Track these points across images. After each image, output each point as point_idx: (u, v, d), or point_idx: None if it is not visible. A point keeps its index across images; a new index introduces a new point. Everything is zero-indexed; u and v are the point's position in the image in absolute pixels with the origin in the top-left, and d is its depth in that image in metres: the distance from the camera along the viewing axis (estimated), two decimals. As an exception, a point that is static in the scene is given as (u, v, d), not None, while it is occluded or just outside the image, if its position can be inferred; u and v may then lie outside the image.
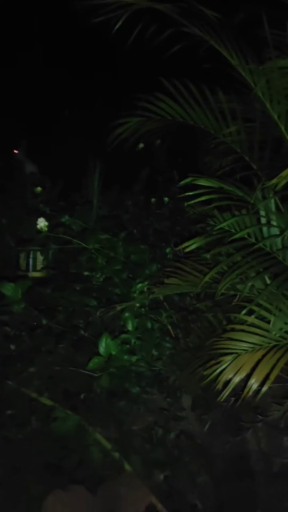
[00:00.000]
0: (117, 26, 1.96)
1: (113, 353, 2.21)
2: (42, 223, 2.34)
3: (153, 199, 3.28)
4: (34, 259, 3.48)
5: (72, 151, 5.41)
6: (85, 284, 2.72)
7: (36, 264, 3.53)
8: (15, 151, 5.83)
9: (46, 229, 2.34)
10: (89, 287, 2.72)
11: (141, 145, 3.42)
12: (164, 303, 2.62)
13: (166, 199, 3.28)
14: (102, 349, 2.20)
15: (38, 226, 2.33)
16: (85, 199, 3.73)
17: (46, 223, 2.35)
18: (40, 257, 3.44)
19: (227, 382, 1.76)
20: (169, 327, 2.67)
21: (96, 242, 2.51)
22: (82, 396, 2.50)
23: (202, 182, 1.90)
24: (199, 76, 2.48)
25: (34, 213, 2.77)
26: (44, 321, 2.45)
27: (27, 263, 3.53)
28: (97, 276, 2.64)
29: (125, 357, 2.22)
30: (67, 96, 6.72)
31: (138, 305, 2.28)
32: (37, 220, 2.37)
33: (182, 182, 1.97)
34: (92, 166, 3.83)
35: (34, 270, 3.53)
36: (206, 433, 2.72)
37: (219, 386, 1.75)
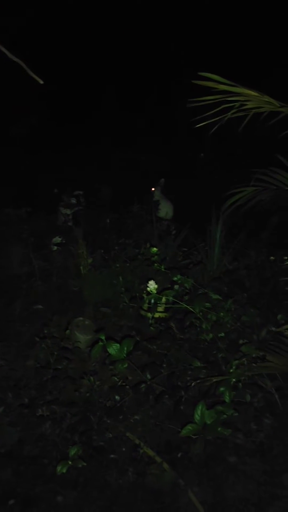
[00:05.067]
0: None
1: (208, 422, 2.23)
2: (151, 286, 2.48)
3: (272, 257, 3.22)
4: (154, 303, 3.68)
5: (203, 193, 5.56)
6: (193, 342, 2.79)
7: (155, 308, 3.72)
8: (152, 189, 6.18)
9: (155, 291, 2.48)
10: (196, 345, 2.78)
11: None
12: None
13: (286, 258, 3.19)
14: (197, 417, 2.24)
15: (148, 289, 2.48)
16: (207, 247, 3.82)
17: (156, 286, 2.48)
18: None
19: None
20: (277, 398, 2.59)
21: (204, 305, 2.56)
22: (179, 454, 2.57)
23: None
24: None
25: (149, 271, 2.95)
26: (148, 376, 2.59)
27: (149, 307, 3.74)
28: (204, 337, 2.69)
29: (219, 429, 2.21)
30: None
31: (234, 380, 2.27)
32: (147, 282, 2.52)
33: None
34: (215, 216, 3.91)
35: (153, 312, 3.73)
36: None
37: None
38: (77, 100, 8.32)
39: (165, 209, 5.35)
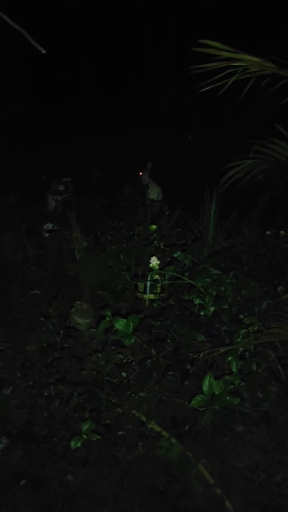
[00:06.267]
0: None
1: (216, 392, 2.26)
2: (154, 261, 2.49)
3: (268, 232, 3.25)
4: (152, 285, 3.68)
5: (193, 176, 5.57)
6: (195, 317, 2.82)
7: (154, 287, 3.72)
8: (140, 173, 6.15)
9: (157, 267, 2.49)
10: (198, 320, 2.81)
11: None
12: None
13: (282, 232, 3.23)
14: (205, 387, 2.27)
15: (150, 265, 2.49)
16: (201, 226, 3.83)
17: (158, 262, 2.49)
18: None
19: None
20: (279, 368, 2.64)
21: (205, 280, 2.58)
22: (187, 427, 2.60)
23: None
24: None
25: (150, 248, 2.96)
26: (154, 352, 2.61)
27: (145, 286, 3.75)
28: (206, 311, 2.71)
29: (228, 398, 2.25)
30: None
31: (241, 349, 2.30)
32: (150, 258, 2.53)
33: None
34: (209, 194, 3.92)
35: (151, 292, 3.73)
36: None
37: None
38: (62, 85, 8.20)
39: (156, 192, 5.33)
